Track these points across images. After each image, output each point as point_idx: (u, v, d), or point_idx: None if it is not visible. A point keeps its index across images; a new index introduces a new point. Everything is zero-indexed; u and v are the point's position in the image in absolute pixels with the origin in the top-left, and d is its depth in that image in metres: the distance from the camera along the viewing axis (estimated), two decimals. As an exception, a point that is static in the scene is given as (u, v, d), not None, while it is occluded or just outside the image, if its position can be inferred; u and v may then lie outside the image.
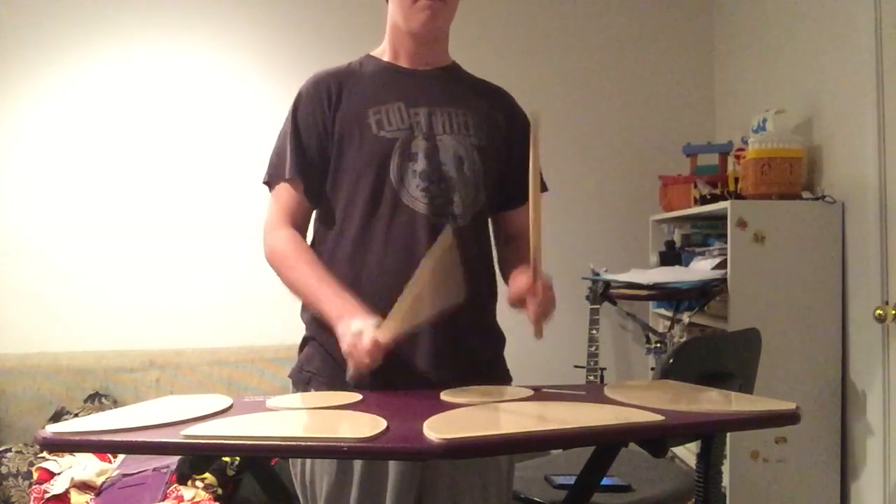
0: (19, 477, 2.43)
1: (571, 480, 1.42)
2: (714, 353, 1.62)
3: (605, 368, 2.95)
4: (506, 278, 1.45)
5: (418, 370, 1.29)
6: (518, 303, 1.28)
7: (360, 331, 1.16)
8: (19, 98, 3.00)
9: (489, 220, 1.48)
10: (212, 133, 3.10)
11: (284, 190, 1.39)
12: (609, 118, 3.26)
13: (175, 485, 2.27)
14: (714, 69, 3.31)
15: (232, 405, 1.14)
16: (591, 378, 2.81)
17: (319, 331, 1.35)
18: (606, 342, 3.21)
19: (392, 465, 1.24)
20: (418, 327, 1.21)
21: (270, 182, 1.41)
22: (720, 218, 2.51)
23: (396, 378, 1.29)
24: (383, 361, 1.28)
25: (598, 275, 2.89)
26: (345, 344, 1.19)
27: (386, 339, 1.16)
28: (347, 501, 1.25)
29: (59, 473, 2.35)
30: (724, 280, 2.34)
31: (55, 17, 3.02)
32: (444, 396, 1.16)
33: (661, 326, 3.08)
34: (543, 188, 1.49)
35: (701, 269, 2.55)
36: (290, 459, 1.38)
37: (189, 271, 3.07)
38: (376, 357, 1.16)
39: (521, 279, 1.27)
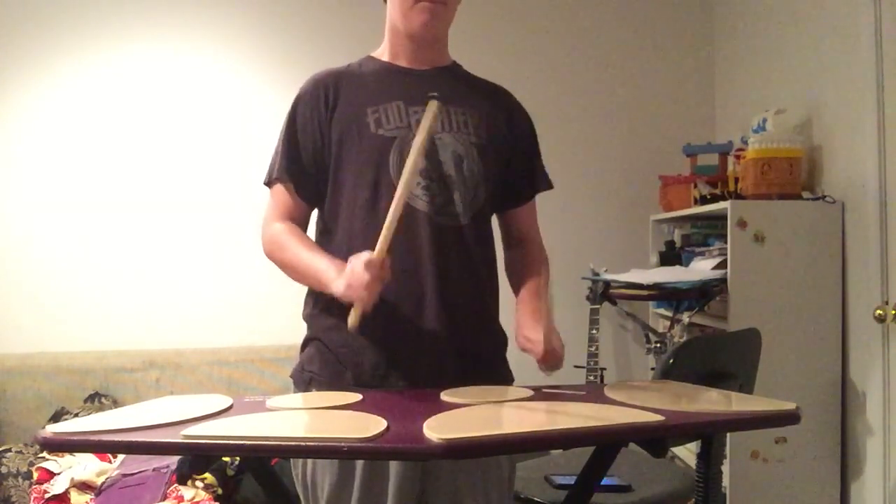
0: (19, 477, 2.43)
1: (571, 480, 1.42)
2: (714, 353, 1.62)
3: (605, 368, 2.95)
4: (512, 283, 1.47)
5: (419, 369, 1.29)
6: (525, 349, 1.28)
7: (352, 264, 1.16)
8: (19, 98, 3.00)
9: (493, 219, 1.48)
10: (212, 134, 3.10)
11: (279, 190, 1.40)
12: (609, 118, 3.26)
13: (175, 485, 2.27)
14: (714, 69, 3.31)
15: (232, 405, 1.14)
16: (591, 378, 2.81)
17: (321, 330, 1.35)
18: (606, 342, 3.21)
19: (393, 466, 1.24)
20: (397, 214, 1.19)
21: (269, 183, 1.42)
22: (720, 218, 2.51)
23: (397, 377, 1.29)
24: (383, 363, 1.29)
25: (598, 275, 2.89)
26: (340, 289, 1.17)
27: (376, 259, 1.15)
28: (349, 502, 1.25)
29: (59, 473, 2.35)
30: (724, 280, 2.34)
31: (54, 16, 3.02)
32: (445, 396, 1.16)
33: (661, 326, 3.08)
34: (547, 186, 1.50)
35: (701, 269, 2.55)
36: (291, 460, 1.38)
37: (189, 271, 3.07)
38: (374, 281, 1.15)
39: (532, 331, 1.26)
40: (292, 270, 1.34)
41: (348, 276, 1.17)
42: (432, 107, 1.25)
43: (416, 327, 1.29)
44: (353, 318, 1.17)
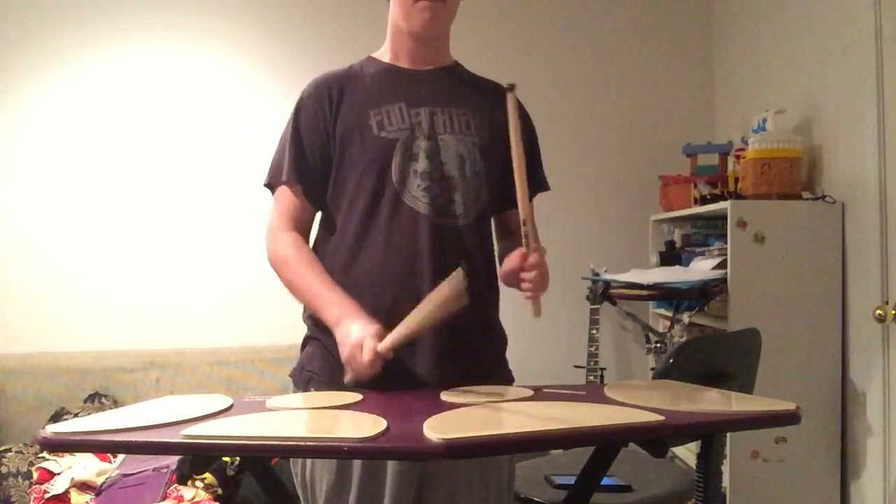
0: (19, 477, 2.42)
1: (571, 480, 1.42)
2: (714, 353, 1.62)
3: (605, 368, 2.95)
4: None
5: (420, 370, 1.29)
6: (511, 279, 1.29)
7: (359, 341, 1.18)
8: (20, 98, 3.00)
9: (492, 219, 1.48)
10: (212, 134, 3.10)
11: (285, 193, 1.39)
12: (609, 118, 3.26)
13: (175, 485, 2.27)
14: (714, 69, 3.30)
15: (232, 405, 1.14)
16: (591, 378, 2.81)
17: (321, 331, 1.35)
18: (606, 342, 3.21)
19: (391, 466, 1.24)
20: (417, 335, 1.21)
21: (271, 185, 1.42)
22: (720, 218, 2.51)
23: (398, 378, 1.29)
24: (383, 364, 1.29)
25: (598, 275, 2.89)
26: (344, 352, 1.20)
27: (385, 350, 1.17)
28: (347, 501, 1.25)
29: (59, 473, 2.35)
30: (724, 280, 2.34)
31: (54, 15, 3.02)
32: (444, 396, 1.16)
33: (661, 326, 3.07)
34: (545, 187, 1.50)
35: (701, 269, 2.54)
36: (290, 459, 1.38)
37: (189, 271, 3.07)
38: (375, 368, 1.17)
39: (514, 255, 1.29)
40: (296, 295, 1.35)
41: (351, 351, 1.18)
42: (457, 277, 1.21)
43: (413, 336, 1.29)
44: (348, 379, 1.22)
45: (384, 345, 1.17)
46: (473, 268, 1.36)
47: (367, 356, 1.16)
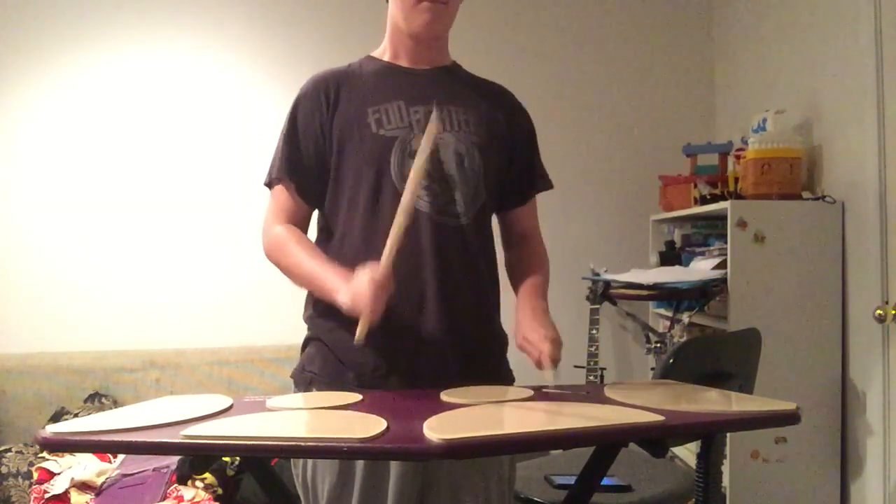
0: (19, 477, 2.43)
1: (571, 480, 1.42)
2: (714, 353, 1.62)
3: (605, 368, 2.95)
4: (512, 282, 1.47)
5: (420, 370, 1.29)
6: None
7: (355, 283, 1.17)
8: (19, 98, 3.00)
9: (493, 219, 1.48)
10: (212, 134, 3.10)
11: (279, 191, 1.40)
12: (609, 118, 3.26)
13: (175, 485, 2.27)
14: (714, 69, 3.31)
15: (232, 405, 1.14)
16: (591, 378, 2.81)
17: (322, 330, 1.35)
18: (606, 342, 3.21)
19: (393, 466, 1.24)
20: (400, 239, 1.19)
21: (269, 184, 1.42)
22: (720, 218, 2.51)
23: (398, 377, 1.29)
24: (384, 363, 1.29)
25: (598, 275, 2.89)
26: (346, 303, 1.18)
27: (381, 274, 1.16)
28: (349, 502, 1.25)
29: (59, 473, 2.35)
30: (724, 280, 2.34)
31: (54, 15, 3.02)
32: (445, 396, 1.16)
33: (661, 326, 3.07)
34: (549, 185, 1.51)
35: (701, 269, 2.55)
36: (291, 460, 1.38)
37: (189, 271, 3.07)
38: (379, 297, 1.15)
39: (530, 332, 1.26)
40: (294, 276, 1.34)
41: (353, 291, 1.17)
42: (431, 127, 1.24)
43: (417, 327, 1.29)
44: (360, 332, 1.18)
45: (382, 264, 1.16)
46: (474, 268, 1.36)
47: (365, 286, 1.15)
